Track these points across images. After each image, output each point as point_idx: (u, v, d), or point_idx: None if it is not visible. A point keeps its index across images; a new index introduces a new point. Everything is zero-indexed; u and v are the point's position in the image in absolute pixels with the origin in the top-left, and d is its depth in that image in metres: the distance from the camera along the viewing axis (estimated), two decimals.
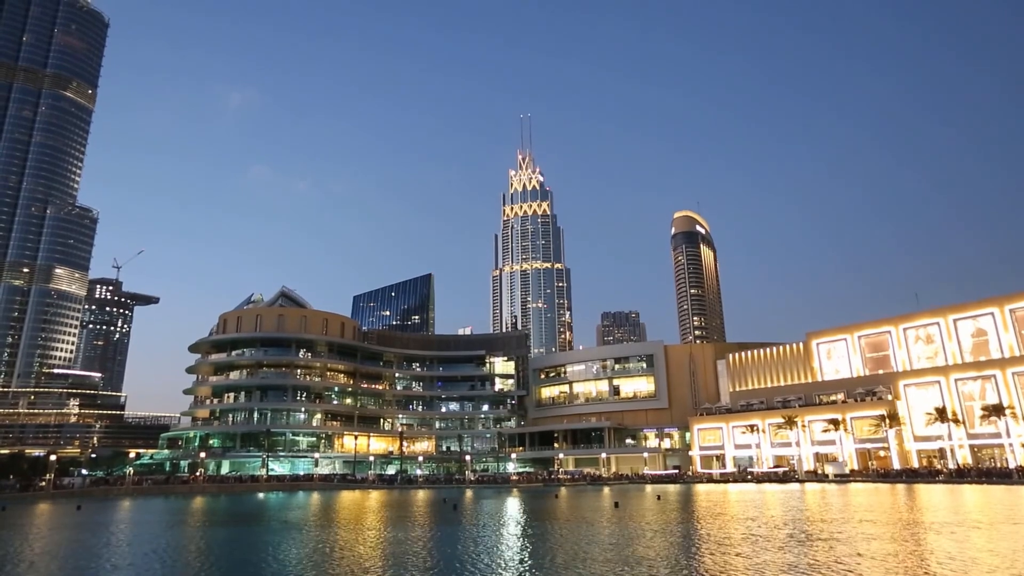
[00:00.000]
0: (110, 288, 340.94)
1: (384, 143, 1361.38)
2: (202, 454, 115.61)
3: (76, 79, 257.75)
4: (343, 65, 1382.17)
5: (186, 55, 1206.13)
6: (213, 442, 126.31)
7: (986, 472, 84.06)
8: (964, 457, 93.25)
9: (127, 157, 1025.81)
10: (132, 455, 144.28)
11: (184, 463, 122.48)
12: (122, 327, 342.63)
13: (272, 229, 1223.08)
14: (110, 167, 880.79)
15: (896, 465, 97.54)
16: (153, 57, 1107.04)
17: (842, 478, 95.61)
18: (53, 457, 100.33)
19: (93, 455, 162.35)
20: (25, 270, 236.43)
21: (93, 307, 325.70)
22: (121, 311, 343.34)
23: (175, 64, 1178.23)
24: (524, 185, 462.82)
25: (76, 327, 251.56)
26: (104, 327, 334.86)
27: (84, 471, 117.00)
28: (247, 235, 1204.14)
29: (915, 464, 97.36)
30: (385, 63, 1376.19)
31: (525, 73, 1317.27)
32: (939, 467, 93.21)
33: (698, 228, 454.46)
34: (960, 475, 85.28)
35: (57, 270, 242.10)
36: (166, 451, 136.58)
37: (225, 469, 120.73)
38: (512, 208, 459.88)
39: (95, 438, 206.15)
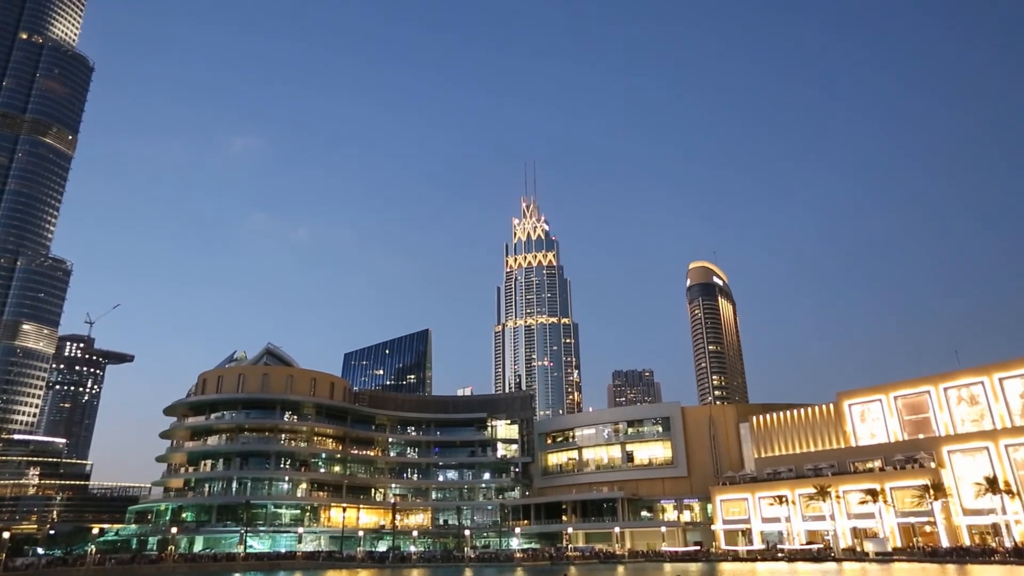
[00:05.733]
0: (81, 345, 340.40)
1: (381, 192, 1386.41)
2: (173, 529, 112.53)
3: (56, 124, 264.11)
4: (343, 115, 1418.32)
5: (183, 102, 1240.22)
6: (186, 515, 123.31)
7: None
8: (1022, 534, 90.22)
9: (109, 206, 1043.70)
10: (95, 531, 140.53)
11: (153, 539, 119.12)
12: (92, 387, 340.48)
13: (260, 283, 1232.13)
14: (90, 216, 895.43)
15: (944, 542, 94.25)
16: (146, 104, 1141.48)
17: (884, 557, 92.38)
18: (6, 534, 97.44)
19: (52, 531, 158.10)
20: None
21: (61, 366, 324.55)
22: (92, 370, 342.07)
23: (169, 111, 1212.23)
24: (528, 234, 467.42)
25: (41, 388, 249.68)
26: (72, 388, 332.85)
27: (40, 550, 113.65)
28: (233, 289, 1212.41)
29: (966, 541, 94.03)
30: (385, 112, 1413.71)
31: (529, 120, 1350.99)
32: (994, 545, 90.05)
33: (715, 279, 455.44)
34: (1019, 555, 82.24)
35: (24, 326, 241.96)
36: (133, 526, 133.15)
37: (198, 546, 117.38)
38: (516, 259, 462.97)
39: (55, 512, 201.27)
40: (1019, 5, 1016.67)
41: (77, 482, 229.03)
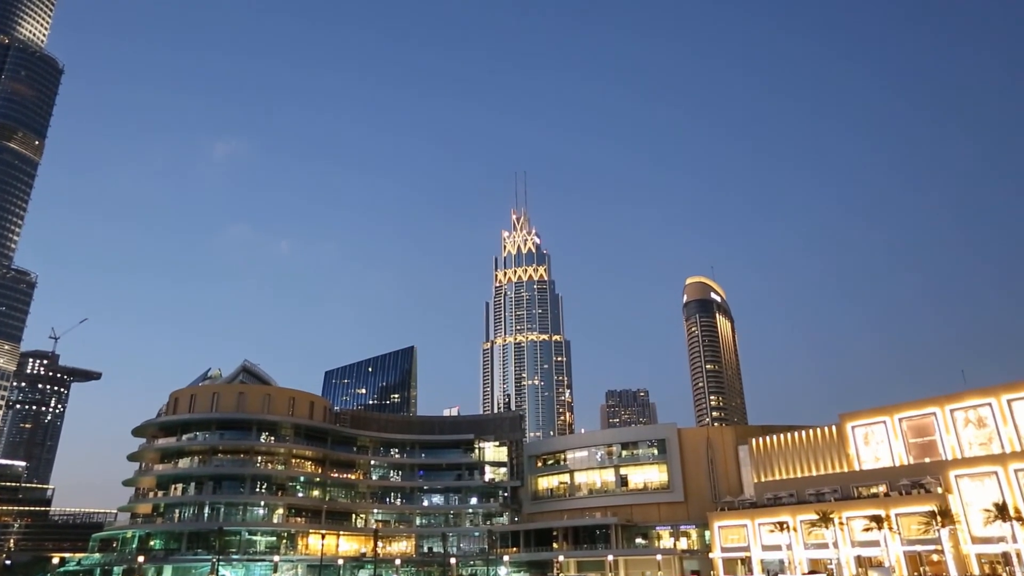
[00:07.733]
0: (44, 362, 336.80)
1: (366, 205, 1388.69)
2: (140, 558, 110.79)
3: (22, 129, 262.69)
4: (326, 128, 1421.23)
5: (162, 108, 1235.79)
6: (154, 543, 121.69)
7: None
8: None
9: (78, 215, 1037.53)
10: (56, 560, 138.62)
11: (118, 569, 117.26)
12: (55, 407, 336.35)
13: (239, 297, 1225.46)
14: (57, 226, 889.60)
15: (953, 572, 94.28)
16: (121, 110, 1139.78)
17: None
18: None
19: (8, 561, 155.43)
20: None
21: (23, 384, 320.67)
22: (56, 388, 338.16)
23: (147, 117, 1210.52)
24: (519, 247, 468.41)
25: (0, 407, 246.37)
26: (34, 407, 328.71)
27: None
28: (209, 303, 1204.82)
29: (975, 571, 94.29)
30: (370, 126, 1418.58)
31: (519, 134, 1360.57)
32: (1004, 575, 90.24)
33: (713, 296, 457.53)
34: None
35: None
36: (97, 555, 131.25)
37: None
38: (505, 273, 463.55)
39: (12, 540, 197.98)
40: (1013, 21, 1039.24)
41: (37, 508, 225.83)
